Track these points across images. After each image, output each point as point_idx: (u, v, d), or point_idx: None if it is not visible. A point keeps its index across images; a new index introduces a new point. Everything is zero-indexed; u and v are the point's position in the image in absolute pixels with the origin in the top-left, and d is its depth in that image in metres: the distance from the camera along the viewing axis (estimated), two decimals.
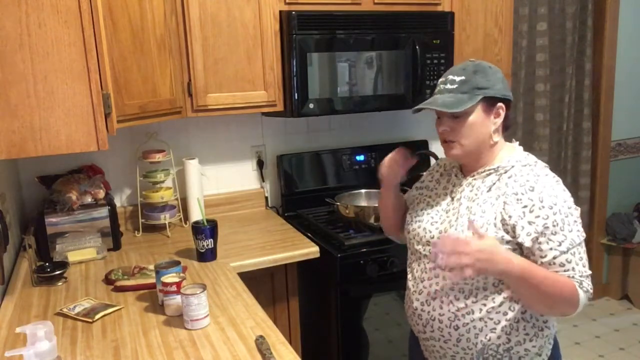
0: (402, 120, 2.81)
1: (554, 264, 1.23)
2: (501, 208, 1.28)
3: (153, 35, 1.88)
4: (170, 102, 1.98)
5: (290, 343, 1.31)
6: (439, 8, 2.42)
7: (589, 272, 1.26)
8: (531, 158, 1.36)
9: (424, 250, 1.40)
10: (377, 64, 2.24)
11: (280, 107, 2.19)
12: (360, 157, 2.62)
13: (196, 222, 1.89)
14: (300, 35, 2.08)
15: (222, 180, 2.50)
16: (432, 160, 2.72)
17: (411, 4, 2.35)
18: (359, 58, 2.20)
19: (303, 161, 2.54)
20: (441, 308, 1.34)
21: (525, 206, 1.25)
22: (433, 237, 1.38)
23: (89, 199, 1.99)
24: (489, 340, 1.30)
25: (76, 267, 1.85)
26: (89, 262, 1.89)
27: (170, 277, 1.45)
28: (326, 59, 2.14)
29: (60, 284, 1.70)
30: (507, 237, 1.27)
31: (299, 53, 2.08)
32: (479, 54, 2.54)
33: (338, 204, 2.24)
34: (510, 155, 1.36)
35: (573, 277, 1.23)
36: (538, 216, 1.23)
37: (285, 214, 2.48)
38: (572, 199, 1.28)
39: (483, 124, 1.32)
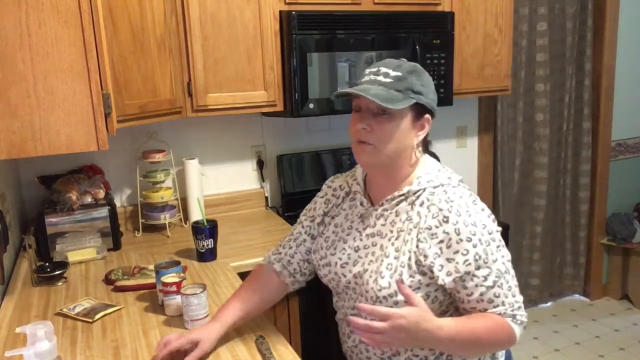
0: None
1: (482, 300, 1.11)
2: (415, 246, 1.12)
3: (153, 35, 1.88)
4: (170, 102, 1.98)
5: (290, 343, 1.31)
6: (439, 8, 2.42)
7: (520, 299, 1.14)
8: (443, 175, 1.19)
9: (344, 291, 1.27)
10: None
11: (280, 107, 2.19)
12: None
13: (196, 222, 1.89)
14: (300, 35, 2.08)
15: (222, 180, 2.50)
16: None
17: (411, 4, 2.35)
18: (359, 58, 2.20)
19: (303, 161, 2.54)
20: (367, 351, 1.25)
21: (441, 241, 1.10)
22: (350, 283, 1.23)
23: (89, 199, 1.99)
24: None
25: (76, 267, 1.85)
26: (89, 262, 1.89)
27: (170, 277, 1.45)
28: (326, 59, 2.14)
29: (60, 284, 1.70)
30: (425, 280, 1.12)
31: (299, 53, 2.08)
32: (479, 54, 2.54)
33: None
34: (421, 174, 1.19)
35: (504, 312, 1.11)
36: (457, 252, 1.09)
37: (285, 214, 2.48)
38: (491, 218, 1.14)
39: (408, 132, 1.16)
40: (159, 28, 1.91)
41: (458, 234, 1.09)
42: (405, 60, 1.21)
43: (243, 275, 1.76)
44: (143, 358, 1.24)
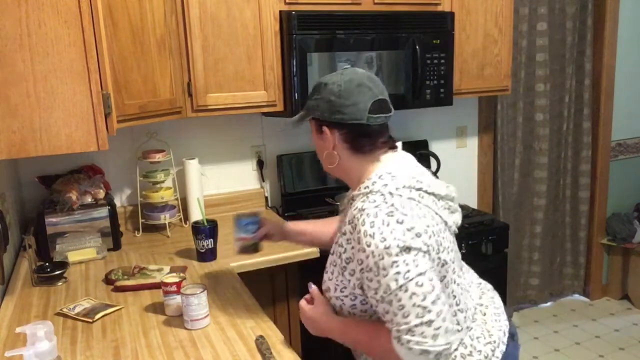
0: (402, 120, 2.81)
1: (378, 312, 1.11)
2: (339, 248, 1.18)
3: (153, 35, 1.88)
4: (170, 102, 1.98)
5: (290, 343, 1.31)
6: (439, 8, 2.42)
7: (415, 322, 1.04)
8: (380, 182, 1.16)
9: None
10: (377, 64, 2.24)
11: (280, 107, 2.19)
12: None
13: (196, 222, 1.89)
14: (300, 35, 2.08)
15: (222, 180, 2.50)
16: (433, 161, 2.72)
17: (411, 4, 2.35)
18: (359, 58, 2.20)
19: (303, 161, 2.53)
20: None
21: (353, 247, 1.13)
22: None
23: (89, 199, 1.99)
24: None
25: (76, 267, 1.85)
26: (89, 262, 1.89)
27: (170, 277, 1.45)
28: (326, 59, 2.14)
29: (60, 284, 1.70)
30: (342, 282, 1.18)
31: (299, 53, 2.08)
32: (479, 54, 2.54)
33: (338, 204, 2.24)
34: (367, 177, 1.21)
35: (390, 330, 1.08)
36: (359, 259, 1.11)
37: (285, 214, 2.48)
38: (400, 236, 1.06)
39: (319, 144, 1.27)
40: (159, 28, 1.91)
41: (359, 243, 1.10)
42: (333, 74, 1.24)
43: (243, 275, 1.77)
44: (143, 358, 1.24)
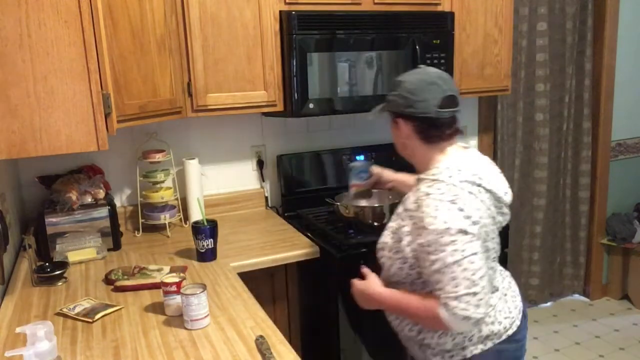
0: None
1: (431, 281, 1.29)
2: (400, 221, 1.38)
3: (153, 35, 1.88)
4: (170, 102, 1.98)
5: (290, 343, 1.31)
6: (439, 8, 2.42)
7: (464, 292, 1.23)
8: (446, 172, 1.33)
9: None
10: (377, 64, 2.24)
11: (280, 107, 2.19)
12: (360, 157, 2.62)
13: (196, 222, 1.89)
14: (300, 35, 2.08)
15: (222, 180, 2.50)
16: None
17: (411, 4, 2.35)
18: (359, 58, 2.20)
19: (303, 161, 2.53)
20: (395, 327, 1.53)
21: (414, 223, 1.31)
22: None
23: (89, 199, 1.99)
24: (404, 332, 1.48)
25: (76, 267, 1.85)
26: (89, 262, 1.89)
27: (170, 277, 1.45)
28: (326, 59, 2.14)
29: (60, 284, 1.70)
30: (397, 247, 1.37)
31: (299, 53, 2.08)
32: (479, 54, 2.54)
33: (338, 204, 2.24)
34: (434, 165, 1.38)
35: (439, 297, 1.26)
36: (419, 234, 1.29)
37: (285, 214, 2.48)
38: (459, 221, 1.25)
39: (395, 133, 1.45)
40: (159, 28, 1.91)
41: (421, 221, 1.29)
42: (413, 70, 1.43)
43: (243, 275, 1.77)
44: (143, 358, 1.24)
